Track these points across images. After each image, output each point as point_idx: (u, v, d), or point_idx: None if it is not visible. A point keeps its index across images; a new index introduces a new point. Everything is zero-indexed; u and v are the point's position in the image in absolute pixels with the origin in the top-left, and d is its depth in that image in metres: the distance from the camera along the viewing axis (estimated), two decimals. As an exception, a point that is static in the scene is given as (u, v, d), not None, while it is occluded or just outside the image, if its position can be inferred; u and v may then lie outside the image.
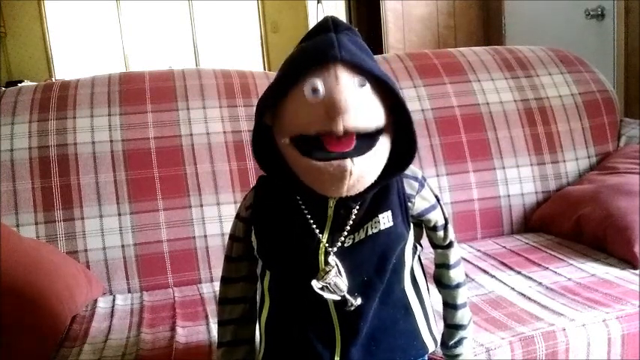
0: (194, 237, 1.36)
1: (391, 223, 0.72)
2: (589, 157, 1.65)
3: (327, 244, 0.72)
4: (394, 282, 0.75)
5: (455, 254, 0.83)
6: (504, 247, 1.42)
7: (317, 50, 0.64)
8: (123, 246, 1.32)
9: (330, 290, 0.70)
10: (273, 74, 1.53)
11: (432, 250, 0.85)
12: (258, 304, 0.82)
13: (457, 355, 0.85)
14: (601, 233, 1.31)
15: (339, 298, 0.70)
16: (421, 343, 0.78)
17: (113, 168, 1.36)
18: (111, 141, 1.38)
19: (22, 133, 1.37)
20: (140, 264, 1.33)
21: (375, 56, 0.74)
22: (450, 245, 0.82)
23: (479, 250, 1.40)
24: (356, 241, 0.72)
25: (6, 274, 1.00)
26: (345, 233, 0.72)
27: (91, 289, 1.24)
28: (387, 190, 0.73)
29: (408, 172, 0.75)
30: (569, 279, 1.18)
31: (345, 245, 0.72)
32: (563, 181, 1.60)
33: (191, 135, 1.42)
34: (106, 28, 6.20)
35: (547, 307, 1.06)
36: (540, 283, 1.17)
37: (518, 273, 1.23)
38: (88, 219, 1.32)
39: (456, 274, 0.83)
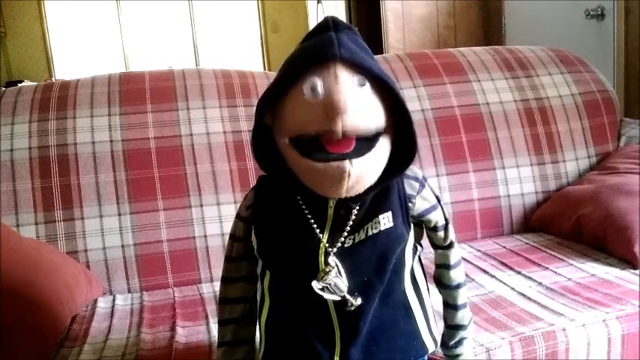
0: (194, 237, 1.36)
1: (391, 224, 0.72)
2: (589, 157, 1.64)
3: (327, 245, 0.71)
4: (394, 282, 0.75)
5: (455, 255, 0.83)
6: (504, 247, 1.42)
7: (317, 48, 0.64)
8: (123, 246, 1.32)
9: (330, 291, 0.70)
10: (273, 74, 1.53)
11: (432, 250, 0.85)
12: (258, 304, 0.82)
13: (457, 356, 0.85)
14: (601, 233, 1.31)
15: (339, 298, 0.70)
16: (421, 343, 0.78)
17: (113, 168, 1.36)
18: (111, 141, 1.38)
19: (22, 133, 1.37)
20: (140, 264, 1.33)
21: (375, 56, 0.73)
22: (450, 246, 0.82)
23: (479, 250, 1.40)
24: (356, 241, 0.72)
25: (6, 274, 1.00)
26: (345, 234, 0.72)
27: (91, 289, 1.24)
28: (387, 190, 0.73)
29: (408, 172, 0.74)
30: (569, 279, 1.18)
31: (345, 246, 0.72)
32: (563, 181, 1.60)
33: (191, 135, 1.42)
34: (106, 28, 6.20)
35: (547, 307, 1.06)
36: (540, 283, 1.17)
37: (518, 273, 1.23)
38: (88, 219, 1.32)
39: (456, 275, 0.83)
